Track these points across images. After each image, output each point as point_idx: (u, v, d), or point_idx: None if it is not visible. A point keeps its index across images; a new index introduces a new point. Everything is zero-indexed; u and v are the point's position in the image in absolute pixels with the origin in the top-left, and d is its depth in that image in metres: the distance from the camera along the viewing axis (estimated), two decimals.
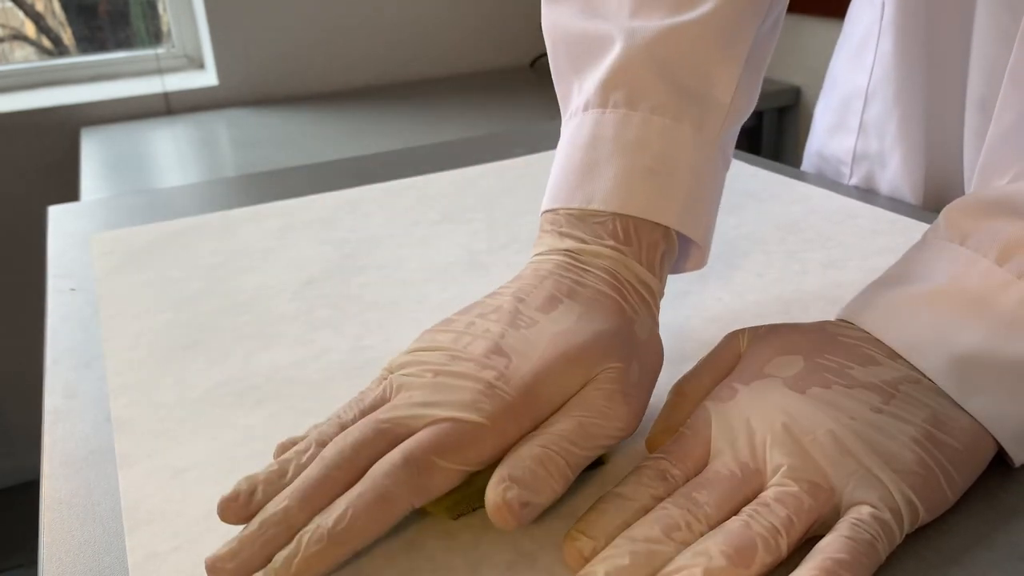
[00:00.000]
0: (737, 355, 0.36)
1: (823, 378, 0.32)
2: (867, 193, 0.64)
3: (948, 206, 0.36)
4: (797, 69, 1.77)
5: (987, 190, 0.36)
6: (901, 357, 0.33)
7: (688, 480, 0.31)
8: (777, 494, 0.29)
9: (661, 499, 0.30)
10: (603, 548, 0.28)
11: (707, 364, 0.36)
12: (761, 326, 0.37)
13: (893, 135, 0.61)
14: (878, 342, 0.34)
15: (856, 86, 0.64)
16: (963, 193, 0.55)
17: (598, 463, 0.35)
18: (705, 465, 0.31)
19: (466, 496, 0.32)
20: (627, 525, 0.29)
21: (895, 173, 0.62)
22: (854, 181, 0.67)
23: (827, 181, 0.67)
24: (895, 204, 0.61)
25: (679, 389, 0.35)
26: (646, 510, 0.29)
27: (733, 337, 0.37)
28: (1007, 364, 0.31)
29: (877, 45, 0.61)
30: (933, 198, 0.62)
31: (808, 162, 0.73)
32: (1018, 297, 0.32)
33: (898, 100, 0.60)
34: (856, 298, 0.37)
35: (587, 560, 0.28)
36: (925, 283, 0.34)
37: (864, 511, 0.28)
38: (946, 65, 0.56)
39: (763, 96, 1.74)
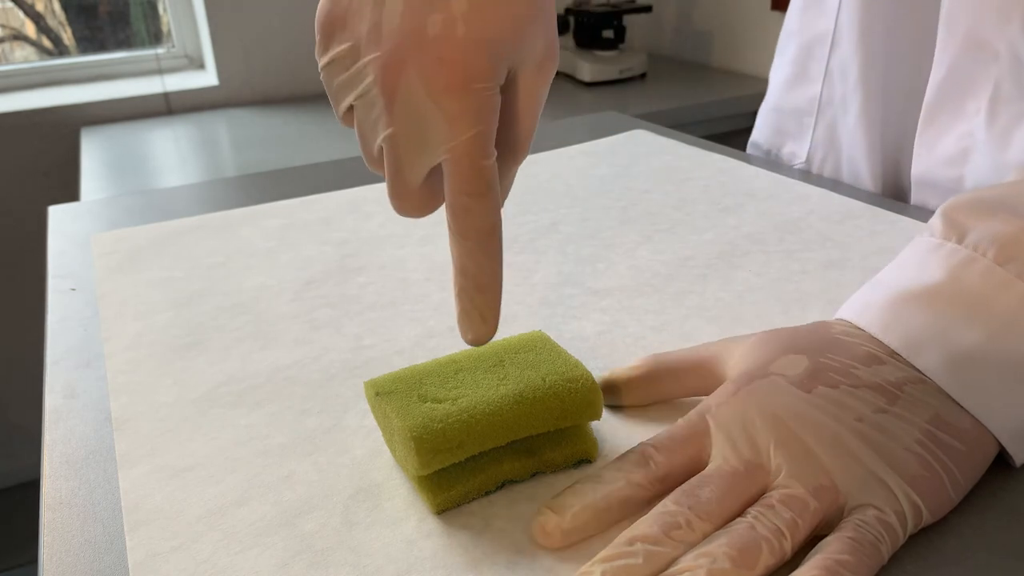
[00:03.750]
0: (720, 352, 0.37)
1: (829, 378, 0.32)
2: (872, 194, 0.64)
3: (945, 204, 0.36)
4: None
5: (985, 188, 0.36)
6: (902, 356, 0.33)
7: (671, 469, 0.31)
8: (782, 496, 0.29)
9: (639, 484, 0.30)
10: (567, 524, 0.29)
11: (688, 350, 0.38)
12: (757, 332, 0.37)
13: (854, 79, 0.61)
14: (878, 341, 0.34)
15: (818, 31, 0.64)
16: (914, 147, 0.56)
17: (586, 461, 0.35)
18: (695, 461, 0.31)
19: (452, 495, 0.32)
20: (596, 506, 0.30)
21: (855, 120, 0.62)
22: (819, 131, 0.67)
23: (827, 181, 0.67)
24: (895, 204, 0.61)
25: (650, 356, 0.38)
26: (620, 493, 0.30)
27: (725, 341, 0.37)
28: (1007, 364, 0.31)
29: None
30: (890, 149, 0.62)
31: (763, 120, 0.73)
32: (1018, 297, 0.32)
33: (860, 44, 0.60)
34: (855, 297, 0.37)
35: (548, 534, 0.29)
36: (924, 282, 0.34)
37: (868, 513, 0.28)
38: (911, 9, 0.57)
39: (763, 96, 1.75)
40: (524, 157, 0.35)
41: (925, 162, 0.56)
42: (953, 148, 0.54)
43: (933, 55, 0.54)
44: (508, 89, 0.32)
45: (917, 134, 0.56)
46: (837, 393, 0.31)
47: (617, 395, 0.38)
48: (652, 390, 0.38)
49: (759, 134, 0.74)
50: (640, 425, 0.37)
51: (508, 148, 0.34)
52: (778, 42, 0.71)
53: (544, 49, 0.31)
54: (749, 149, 0.76)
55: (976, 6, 0.49)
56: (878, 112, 0.61)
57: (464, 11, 0.29)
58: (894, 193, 0.63)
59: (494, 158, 0.31)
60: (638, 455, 0.31)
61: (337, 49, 0.31)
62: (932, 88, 0.54)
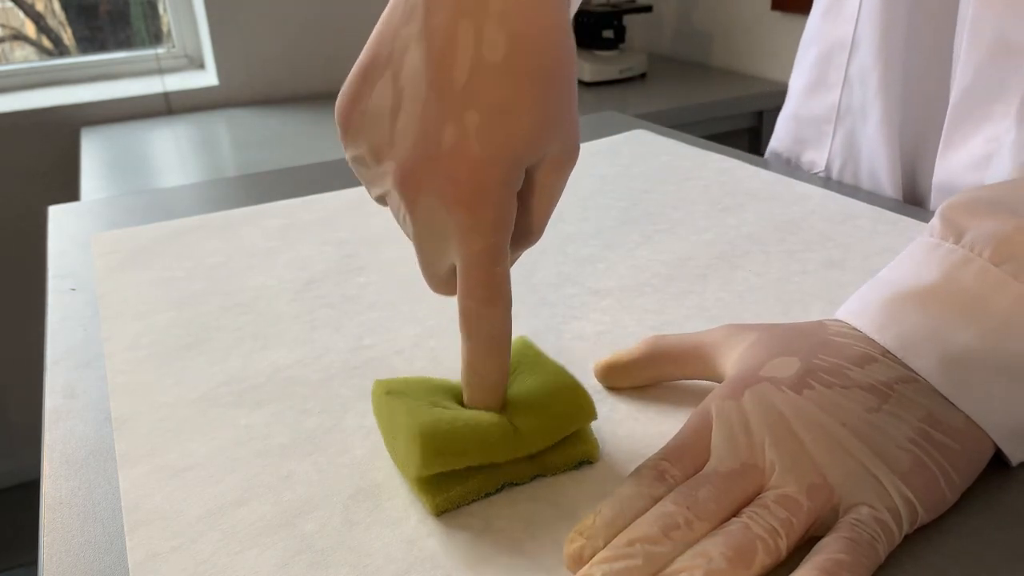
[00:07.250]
0: (720, 342, 0.37)
1: (820, 378, 0.32)
2: (873, 195, 0.64)
3: (944, 203, 0.36)
4: None
5: (984, 187, 0.36)
6: (896, 356, 0.33)
7: (686, 478, 0.31)
8: (776, 496, 0.29)
9: (660, 500, 0.30)
10: (602, 550, 0.28)
11: (689, 335, 0.38)
12: (754, 325, 0.37)
13: (875, 87, 0.61)
14: (873, 341, 0.34)
15: (837, 38, 0.64)
16: (936, 153, 0.56)
17: (587, 462, 0.35)
18: (704, 464, 0.31)
19: (452, 496, 0.32)
20: (626, 528, 0.29)
21: (876, 127, 0.62)
22: (838, 139, 0.66)
23: (827, 181, 0.67)
24: (896, 204, 0.61)
25: (651, 338, 0.39)
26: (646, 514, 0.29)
27: (727, 329, 0.38)
28: (1002, 364, 0.31)
29: None
30: (911, 156, 0.61)
31: (782, 128, 0.72)
32: (1013, 297, 0.32)
33: (881, 50, 0.59)
34: (852, 298, 0.37)
35: (584, 560, 0.28)
36: (919, 282, 0.34)
37: (863, 511, 0.28)
38: (930, 16, 0.56)
39: (763, 96, 1.75)
40: (536, 240, 0.34)
41: (947, 166, 0.56)
42: (979, 152, 0.53)
43: (953, 60, 0.54)
44: (524, 183, 0.31)
45: (942, 139, 0.55)
46: (828, 393, 0.31)
47: (618, 377, 0.39)
48: (652, 372, 0.39)
49: (778, 143, 0.73)
50: (640, 425, 0.37)
51: (521, 234, 0.33)
52: (798, 50, 0.70)
53: (562, 149, 0.31)
54: (768, 158, 0.75)
55: (1003, 10, 0.49)
56: (899, 119, 0.60)
57: (477, 125, 0.28)
58: (914, 200, 0.63)
59: (507, 263, 0.31)
60: (654, 471, 0.31)
61: (357, 150, 0.32)
62: (957, 93, 0.53)
